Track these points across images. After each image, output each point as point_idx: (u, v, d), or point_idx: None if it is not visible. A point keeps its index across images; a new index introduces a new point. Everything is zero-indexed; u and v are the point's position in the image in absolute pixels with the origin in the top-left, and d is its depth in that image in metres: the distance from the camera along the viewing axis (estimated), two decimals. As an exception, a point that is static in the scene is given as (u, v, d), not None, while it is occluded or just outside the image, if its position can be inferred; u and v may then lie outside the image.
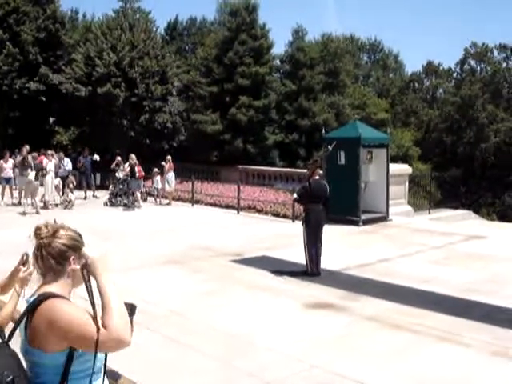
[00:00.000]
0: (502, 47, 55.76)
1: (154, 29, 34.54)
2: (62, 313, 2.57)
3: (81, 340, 2.55)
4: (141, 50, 30.37)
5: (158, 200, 24.26)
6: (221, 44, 34.00)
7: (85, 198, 24.48)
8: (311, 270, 11.60)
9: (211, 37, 37.85)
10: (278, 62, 37.78)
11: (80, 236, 2.90)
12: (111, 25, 31.23)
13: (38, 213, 19.05)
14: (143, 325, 7.88)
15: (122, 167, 23.72)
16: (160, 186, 24.27)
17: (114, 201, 22.77)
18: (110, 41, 30.16)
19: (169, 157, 24.28)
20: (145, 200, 24.07)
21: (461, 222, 21.82)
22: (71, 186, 21.97)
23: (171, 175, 24.02)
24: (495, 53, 56.23)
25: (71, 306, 2.64)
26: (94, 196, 24.90)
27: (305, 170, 24.90)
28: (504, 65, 55.89)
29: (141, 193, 23.49)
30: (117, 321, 2.57)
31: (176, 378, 6.44)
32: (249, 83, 32.18)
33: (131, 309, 2.87)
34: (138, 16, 33.19)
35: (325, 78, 36.51)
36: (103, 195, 24.20)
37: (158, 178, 24.24)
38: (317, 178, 12.00)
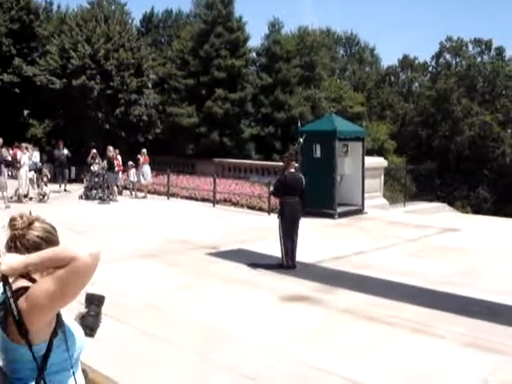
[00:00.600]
0: (477, 42, 56.20)
1: (130, 21, 34.27)
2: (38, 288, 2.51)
3: (60, 261, 2.45)
4: (116, 42, 30.09)
5: (133, 193, 24.13)
6: (197, 36, 33.84)
7: (63, 191, 24.29)
8: (286, 263, 11.61)
9: (187, 29, 37.64)
10: (254, 54, 37.70)
11: (55, 229, 2.84)
12: (86, 16, 30.90)
13: (8, 207, 18.69)
14: (118, 318, 7.85)
15: (97, 160, 23.55)
16: (135, 180, 24.14)
17: (88, 194, 22.59)
18: (84, 33, 29.85)
19: (144, 150, 24.16)
20: (120, 193, 23.92)
21: (436, 215, 22.00)
22: (45, 179, 21.77)
23: (146, 168, 23.89)
24: (470, 47, 56.69)
25: None
26: (65, 190, 24.62)
27: (280, 163, 24.97)
28: (479, 59, 56.34)
29: (117, 186, 23.35)
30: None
31: (151, 371, 6.40)
32: (225, 76, 32.09)
33: (99, 300, 2.84)
34: (113, 8, 32.90)
35: (301, 71, 36.50)
36: (78, 189, 24.01)
37: (133, 171, 24.10)
38: (292, 170, 12.01)
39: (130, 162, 24.12)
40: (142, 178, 23.77)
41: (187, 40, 34.68)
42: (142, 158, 23.74)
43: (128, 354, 6.75)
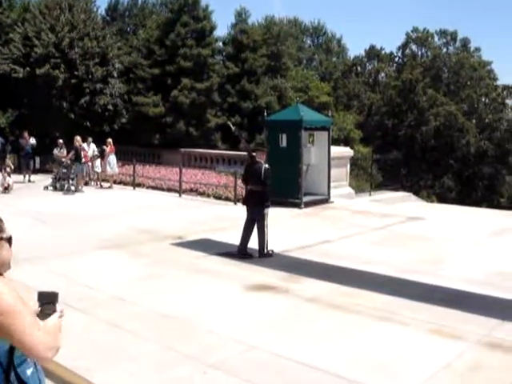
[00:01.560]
0: (443, 33, 56.70)
1: (95, 9, 33.87)
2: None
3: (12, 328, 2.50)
4: (81, 31, 29.71)
5: (98, 184, 23.91)
6: (163, 25, 33.56)
7: (28, 181, 23.98)
8: (267, 252, 11.65)
9: (153, 18, 37.32)
10: (220, 44, 37.49)
11: (1, 220, 2.79)
12: (50, 4, 30.40)
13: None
14: (84, 310, 7.81)
15: (62, 150, 23.32)
16: (100, 170, 23.93)
17: (57, 185, 22.28)
18: (48, 21, 29.40)
19: (109, 139, 23.98)
20: (86, 184, 23.68)
21: (401, 204, 22.20)
22: (8, 169, 21.47)
23: (112, 158, 23.70)
24: (436, 38, 57.16)
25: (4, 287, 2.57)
26: (29, 181, 24.28)
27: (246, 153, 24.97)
28: (444, 50, 56.87)
29: (82, 177, 23.09)
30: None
31: (115, 362, 6.36)
32: (191, 65, 31.90)
33: (53, 297, 2.79)
34: (77, -5, 32.45)
35: (267, 60, 36.41)
36: (42, 179, 23.74)
37: (99, 161, 23.89)
38: (257, 160, 12.03)
39: (96, 153, 23.90)
40: (108, 167, 23.57)
41: (153, 29, 34.37)
42: (107, 148, 23.55)
43: (94, 345, 6.70)
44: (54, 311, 2.73)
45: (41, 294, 2.77)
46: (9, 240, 2.73)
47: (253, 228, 11.86)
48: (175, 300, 8.67)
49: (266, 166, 11.82)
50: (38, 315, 2.71)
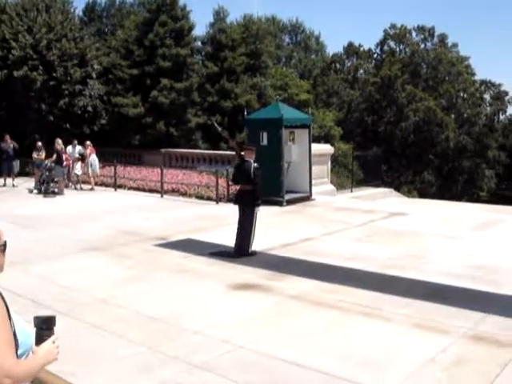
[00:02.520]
0: (420, 29, 56.97)
1: (72, 10, 33.59)
2: None
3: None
4: (58, 32, 29.50)
5: (78, 186, 23.73)
6: (141, 26, 33.43)
7: (12, 186, 23.75)
8: (251, 251, 11.67)
9: (131, 18, 37.13)
10: (199, 43, 37.43)
11: None
12: (27, 6, 30.15)
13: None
14: (67, 313, 7.77)
15: (40, 153, 23.16)
16: (80, 173, 23.77)
17: (41, 188, 22.05)
18: (25, 22, 29.16)
19: (88, 142, 23.86)
20: (67, 186, 23.49)
21: (382, 200, 22.32)
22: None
23: (94, 158, 23.56)
24: (413, 34, 57.42)
25: None
26: (13, 185, 24.02)
27: (228, 152, 25.01)
28: (422, 46, 57.14)
29: (63, 180, 22.90)
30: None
31: (100, 365, 6.34)
32: (170, 65, 31.83)
33: (49, 322, 2.74)
34: (54, -4, 32.24)
35: (246, 59, 36.38)
36: (22, 182, 23.56)
37: (79, 164, 23.75)
38: (246, 159, 12.05)
39: (76, 155, 23.77)
40: (90, 169, 23.39)
41: (131, 29, 34.21)
42: (87, 150, 23.42)
43: (79, 348, 6.65)
44: (50, 336, 2.70)
45: (37, 318, 2.73)
46: (3, 246, 2.72)
47: None
48: (160, 301, 8.64)
49: (256, 165, 11.84)
50: (36, 341, 2.68)
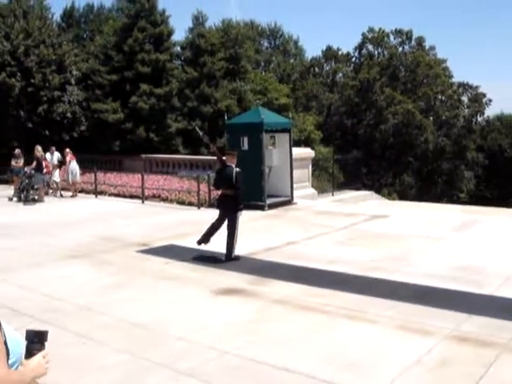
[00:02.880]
0: (398, 32, 57.30)
1: (50, 16, 33.53)
2: None
3: None
4: (36, 38, 29.36)
5: (58, 193, 23.56)
6: (120, 31, 33.36)
7: None
8: (234, 256, 11.68)
9: (110, 24, 37.03)
10: (178, 48, 37.39)
11: None
12: (4, 12, 30.00)
13: None
14: (51, 322, 7.69)
15: (18, 160, 22.98)
16: (59, 180, 23.61)
17: (21, 196, 21.86)
18: (3, 28, 29.01)
19: (67, 149, 23.68)
20: (47, 194, 23.30)
21: (363, 203, 22.43)
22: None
23: (75, 165, 23.38)
24: (391, 38, 57.72)
25: None
26: None
27: (209, 157, 24.99)
28: (400, 49, 57.47)
29: (43, 187, 22.72)
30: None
31: (85, 374, 6.28)
32: (149, 71, 31.77)
33: (41, 336, 2.72)
34: (32, 2, 32.06)
35: (226, 64, 36.39)
36: (1, 190, 23.35)
37: (57, 171, 23.61)
38: (228, 164, 12.04)
39: (55, 162, 23.62)
40: (71, 176, 23.22)
41: (110, 35, 34.13)
42: (67, 157, 23.25)
43: (62, 357, 6.56)
44: (41, 350, 2.68)
45: (29, 332, 2.71)
46: None
47: (220, 227, 11.92)
48: (144, 308, 8.60)
49: (238, 169, 11.83)
50: (25, 356, 2.66)
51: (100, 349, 7.00)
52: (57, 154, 23.88)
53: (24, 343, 2.68)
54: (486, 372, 6.12)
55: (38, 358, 2.65)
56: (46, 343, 2.74)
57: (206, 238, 12.01)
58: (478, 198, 47.15)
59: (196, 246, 12.70)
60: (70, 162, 23.23)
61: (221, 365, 6.49)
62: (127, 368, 6.42)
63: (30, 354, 2.66)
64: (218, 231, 12.09)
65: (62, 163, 23.59)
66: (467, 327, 7.49)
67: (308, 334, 7.45)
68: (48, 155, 23.28)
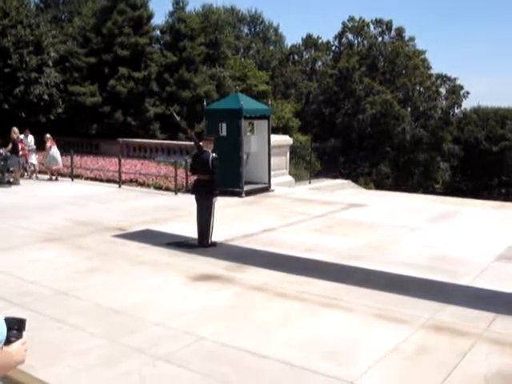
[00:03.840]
0: (378, 22, 57.36)
1: (28, -5, 33.03)
2: None
3: None
4: (13, 18, 28.88)
5: (34, 176, 23.31)
6: (99, 13, 32.97)
7: None
8: (211, 242, 11.62)
9: (89, 6, 36.58)
10: (158, 32, 37.04)
11: None
12: (-20, -9, 29.53)
13: None
14: (27, 306, 7.63)
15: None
16: (36, 162, 23.35)
17: None
18: (-22, 8, 28.56)
19: (48, 135, 23.25)
20: (22, 176, 23.02)
21: (340, 191, 22.47)
22: None
23: (55, 151, 23.00)
24: (371, 27, 57.77)
25: None
26: None
27: (186, 143, 24.88)
28: (380, 39, 57.55)
29: (19, 169, 22.42)
30: None
31: (60, 358, 6.22)
32: (128, 54, 31.44)
33: (20, 323, 2.67)
34: (9, -18, 31.54)
35: (206, 49, 36.18)
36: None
37: (34, 154, 23.33)
38: (204, 149, 12.00)
39: (33, 146, 23.35)
40: (51, 161, 22.86)
41: (89, 17, 33.71)
42: (48, 143, 22.90)
43: (37, 341, 6.48)
44: (19, 338, 2.63)
45: (7, 319, 2.66)
46: None
47: None
48: (120, 293, 8.55)
49: (214, 155, 11.79)
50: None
51: (76, 333, 6.95)
52: (31, 137, 23.60)
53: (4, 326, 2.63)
54: (461, 360, 6.20)
55: (17, 345, 2.61)
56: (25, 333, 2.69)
57: (206, 236, 11.80)
58: (454, 190, 47.54)
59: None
60: (50, 147, 22.90)
61: (198, 350, 6.48)
62: (104, 353, 6.38)
63: (8, 341, 2.62)
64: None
65: (39, 146, 23.26)
66: (443, 316, 7.55)
67: (285, 320, 7.46)
68: (21, 137, 22.95)
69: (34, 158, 23.36)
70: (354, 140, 50.97)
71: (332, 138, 41.54)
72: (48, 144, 22.90)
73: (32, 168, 23.49)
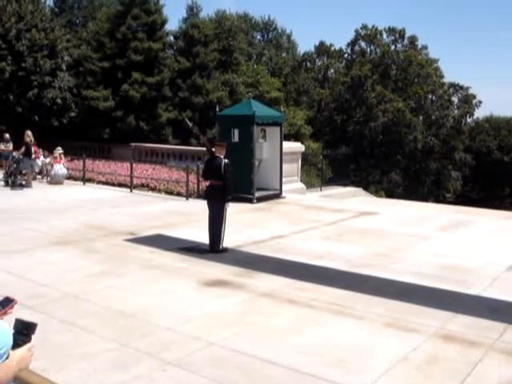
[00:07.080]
0: (391, 30, 57.37)
1: (43, 0, 33.25)
2: None
3: None
4: (28, 22, 29.10)
5: (48, 179, 23.40)
6: (113, 18, 33.15)
7: None
8: (222, 247, 11.64)
9: (103, 10, 36.81)
10: (171, 38, 37.22)
11: None
12: (-5, -5, 29.74)
13: None
14: (37, 309, 7.66)
15: (8, 144, 22.78)
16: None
17: (8, 180, 21.65)
18: (-6, 12, 28.75)
19: (60, 150, 23.19)
20: (34, 179, 23.13)
21: (352, 199, 22.46)
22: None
23: (61, 167, 23.03)
24: (384, 35, 57.78)
25: None
26: None
27: (198, 148, 24.92)
28: (392, 47, 57.54)
29: (32, 172, 22.50)
30: None
31: (72, 362, 6.24)
32: (141, 59, 31.58)
33: (29, 328, 2.66)
34: (24, -14, 31.77)
35: (219, 55, 36.31)
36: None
37: (49, 159, 23.44)
38: (217, 155, 12.03)
39: (47, 156, 23.48)
40: (54, 176, 22.89)
41: (103, 22, 33.90)
42: (57, 159, 22.89)
43: (49, 344, 6.54)
44: (26, 342, 2.62)
45: (18, 321, 2.64)
46: None
47: None
48: (131, 297, 8.57)
49: (226, 161, 11.81)
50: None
51: (86, 337, 6.97)
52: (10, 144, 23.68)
53: (11, 332, 2.63)
54: (472, 370, 6.16)
55: (23, 351, 2.60)
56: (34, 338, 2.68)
57: (217, 242, 11.81)
58: (465, 199, 47.46)
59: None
60: (54, 163, 22.87)
61: (207, 356, 6.49)
62: (115, 356, 6.40)
63: (15, 344, 2.60)
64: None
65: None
66: (454, 326, 7.52)
67: (294, 327, 7.46)
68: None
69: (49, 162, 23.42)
70: (366, 148, 50.92)
71: (343, 145, 41.51)
72: (57, 160, 22.82)
73: (46, 171, 23.54)
